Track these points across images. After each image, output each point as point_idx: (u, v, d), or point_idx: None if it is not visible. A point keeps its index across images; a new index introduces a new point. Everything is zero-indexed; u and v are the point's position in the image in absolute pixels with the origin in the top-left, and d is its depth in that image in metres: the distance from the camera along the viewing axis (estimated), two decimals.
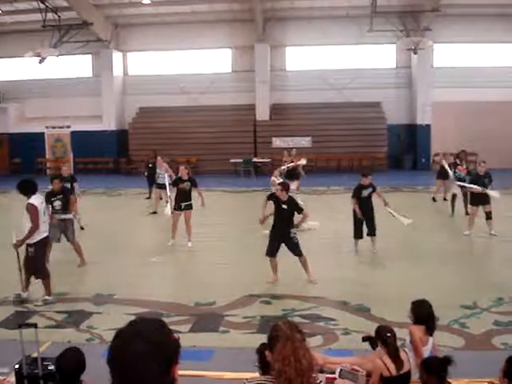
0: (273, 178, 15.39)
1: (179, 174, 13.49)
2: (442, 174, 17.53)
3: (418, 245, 12.91)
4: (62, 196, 11.67)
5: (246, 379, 3.62)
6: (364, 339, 6.00)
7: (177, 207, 13.27)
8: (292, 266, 11.24)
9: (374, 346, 5.88)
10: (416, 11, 25.67)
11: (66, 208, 11.68)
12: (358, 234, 12.49)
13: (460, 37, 27.24)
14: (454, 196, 16.18)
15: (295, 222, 10.38)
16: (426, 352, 5.72)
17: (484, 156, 18.56)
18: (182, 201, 13.18)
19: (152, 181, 19.69)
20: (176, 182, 13.47)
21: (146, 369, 1.98)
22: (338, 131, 28.03)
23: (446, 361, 4.93)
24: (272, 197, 10.38)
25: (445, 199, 18.04)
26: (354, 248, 12.53)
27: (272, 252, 10.27)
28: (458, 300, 8.97)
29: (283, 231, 10.14)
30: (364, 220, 12.32)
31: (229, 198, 20.59)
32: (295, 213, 10.28)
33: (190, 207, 13.32)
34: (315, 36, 28.36)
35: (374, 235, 12.38)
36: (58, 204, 11.57)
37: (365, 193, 12.31)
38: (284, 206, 10.07)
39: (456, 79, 27.19)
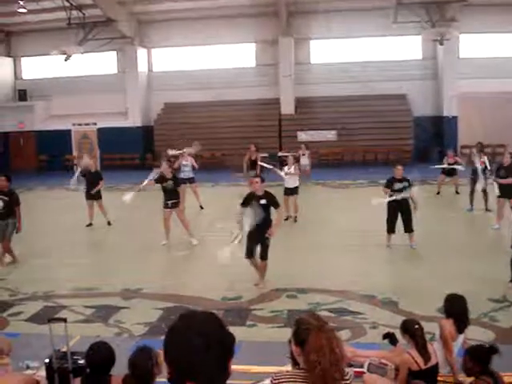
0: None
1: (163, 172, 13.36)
2: (446, 170, 18.02)
3: (445, 238, 12.78)
4: (6, 197, 11.41)
5: (275, 373, 3.59)
6: (384, 336, 5.96)
7: (164, 205, 13.21)
8: (318, 259, 11.23)
9: (394, 343, 5.85)
10: (441, 1, 25.35)
11: (9, 210, 11.42)
12: (390, 229, 12.21)
13: (486, 27, 26.77)
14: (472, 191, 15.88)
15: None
16: (456, 346, 5.66)
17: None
18: (168, 199, 13.12)
19: None
20: (159, 181, 13.33)
21: (203, 362, 1.98)
22: (364, 124, 27.80)
23: (493, 350, 4.91)
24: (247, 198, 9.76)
25: (457, 192, 18.19)
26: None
27: (249, 253, 9.77)
28: (486, 293, 8.86)
29: (261, 230, 9.48)
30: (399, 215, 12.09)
31: None
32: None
33: (176, 205, 13.20)
34: (339, 29, 28.16)
35: (411, 231, 12.12)
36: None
37: (398, 186, 12.04)
38: (262, 201, 9.57)
39: (483, 70, 26.78)
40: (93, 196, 15.29)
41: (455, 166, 17.65)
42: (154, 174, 13.43)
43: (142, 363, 4.49)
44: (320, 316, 3.56)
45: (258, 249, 9.80)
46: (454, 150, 20.06)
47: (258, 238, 9.61)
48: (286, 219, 15.06)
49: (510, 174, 13.26)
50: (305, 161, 20.28)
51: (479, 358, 4.94)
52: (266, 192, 9.79)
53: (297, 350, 3.43)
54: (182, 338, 2.01)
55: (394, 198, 11.84)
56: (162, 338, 2.10)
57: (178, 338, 2.03)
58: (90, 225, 15.33)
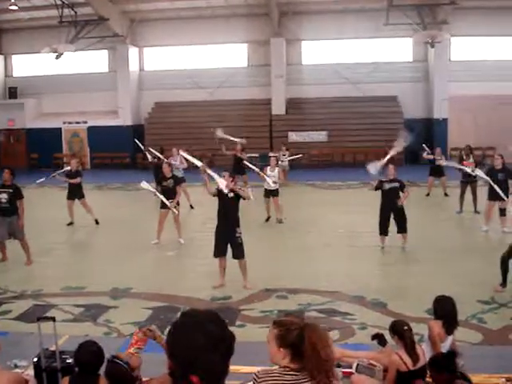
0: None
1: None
2: (434, 171, 18.26)
3: (434, 240, 12.81)
4: (10, 189, 11.32)
5: (258, 372, 3.54)
6: (373, 337, 5.98)
7: (161, 205, 13.18)
8: (308, 260, 11.24)
9: (382, 344, 5.86)
10: (433, 4, 25.44)
11: (14, 205, 11.29)
12: (382, 230, 12.22)
13: (477, 30, 26.89)
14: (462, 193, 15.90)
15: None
16: (444, 348, 5.68)
17: (502, 150, 18.42)
18: (166, 199, 13.05)
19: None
20: (160, 181, 13.36)
21: (209, 361, 2.02)
22: (355, 125, 27.88)
23: (452, 354, 4.91)
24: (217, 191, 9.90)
25: (446, 194, 18.28)
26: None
27: (219, 252, 9.84)
28: (475, 295, 8.91)
29: (229, 228, 9.71)
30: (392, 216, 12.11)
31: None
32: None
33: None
34: (331, 30, 28.23)
35: (404, 232, 12.14)
36: (3, 197, 11.26)
37: (387, 186, 12.08)
38: (230, 194, 9.67)
39: (473, 73, 26.91)
40: (74, 195, 15.33)
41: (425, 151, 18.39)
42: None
43: (118, 372, 4.47)
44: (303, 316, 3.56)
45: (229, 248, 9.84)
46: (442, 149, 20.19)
47: (227, 235, 9.73)
48: (267, 220, 15.18)
49: (510, 175, 13.28)
50: (284, 161, 20.70)
51: (441, 367, 4.94)
52: (235, 187, 9.84)
53: (283, 352, 3.37)
54: (186, 336, 2.05)
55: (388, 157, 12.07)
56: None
57: (182, 335, 2.07)
58: (71, 223, 15.38)
